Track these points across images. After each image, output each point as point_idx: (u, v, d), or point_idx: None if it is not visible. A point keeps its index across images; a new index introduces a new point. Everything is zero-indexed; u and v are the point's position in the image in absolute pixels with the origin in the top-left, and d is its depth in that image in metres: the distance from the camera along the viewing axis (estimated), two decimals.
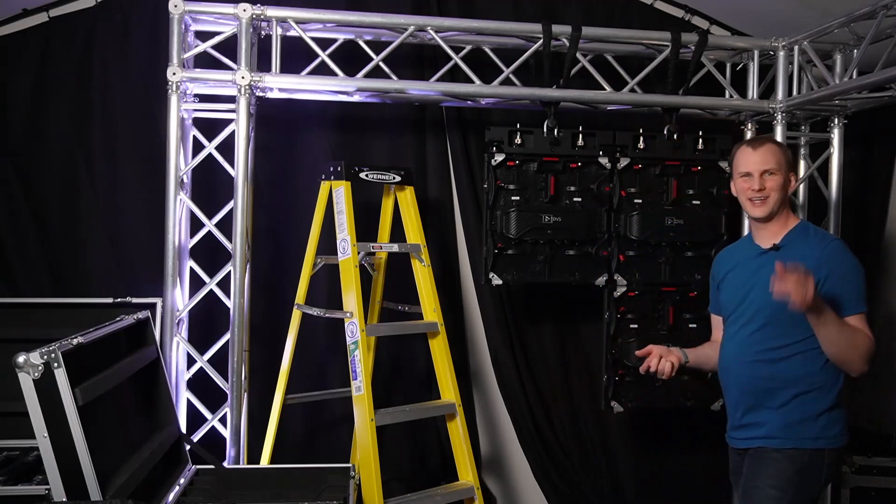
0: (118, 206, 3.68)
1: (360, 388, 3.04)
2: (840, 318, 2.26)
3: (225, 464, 3.14)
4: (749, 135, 3.80)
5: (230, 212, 3.33)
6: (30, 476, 2.79)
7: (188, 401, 3.44)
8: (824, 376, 2.34)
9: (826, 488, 2.41)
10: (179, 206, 3.29)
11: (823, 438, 2.33)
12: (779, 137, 3.58)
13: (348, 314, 3.10)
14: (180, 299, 3.36)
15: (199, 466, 2.81)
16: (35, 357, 1.91)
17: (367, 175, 3.32)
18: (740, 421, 2.46)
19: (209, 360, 3.43)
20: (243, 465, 3.26)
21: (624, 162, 3.54)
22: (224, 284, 3.37)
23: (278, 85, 3.31)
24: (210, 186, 3.60)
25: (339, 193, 3.23)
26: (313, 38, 3.36)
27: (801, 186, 3.89)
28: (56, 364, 1.93)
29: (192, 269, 3.46)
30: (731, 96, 3.73)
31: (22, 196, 3.61)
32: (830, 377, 2.34)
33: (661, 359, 2.53)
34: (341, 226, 3.19)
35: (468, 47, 3.52)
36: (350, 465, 2.88)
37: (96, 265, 3.66)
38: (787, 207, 2.48)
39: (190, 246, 3.45)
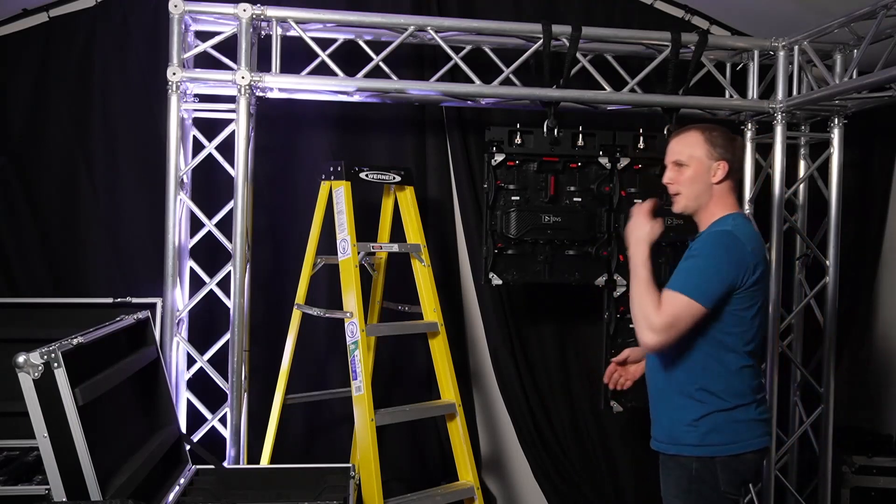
0: (118, 206, 3.68)
1: (360, 388, 3.04)
2: (651, 283, 2.22)
3: (225, 464, 3.14)
4: (749, 135, 3.81)
5: (230, 212, 3.33)
6: (30, 476, 2.78)
7: (188, 401, 3.44)
8: (706, 381, 2.24)
9: (737, 495, 2.30)
10: (179, 206, 3.29)
11: (706, 446, 2.22)
12: (778, 137, 3.59)
13: (348, 314, 3.10)
14: (180, 299, 3.36)
15: (199, 466, 2.81)
16: (35, 357, 1.91)
17: (367, 175, 3.32)
18: (652, 417, 2.44)
19: (209, 360, 3.43)
20: (243, 465, 3.26)
21: (624, 162, 3.54)
22: (224, 284, 3.37)
23: (278, 85, 3.31)
24: (210, 186, 3.59)
25: (339, 193, 3.23)
26: (313, 38, 3.36)
27: (801, 186, 3.90)
28: (56, 364, 1.93)
29: (192, 269, 3.46)
30: (731, 96, 3.73)
31: (22, 196, 3.61)
32: (715, 383, 2.23)
33: (615, 373, 2.49)
34: (341, 226, 3.19)
35: (468, 47, 3.52)
36: (350, 465, 2.88)
37: (96, 265, 3.66)
38: (720, 198, 2.31)
39: (190, 246, 3.45)
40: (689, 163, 2.31)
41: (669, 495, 2.34)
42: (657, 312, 2.17)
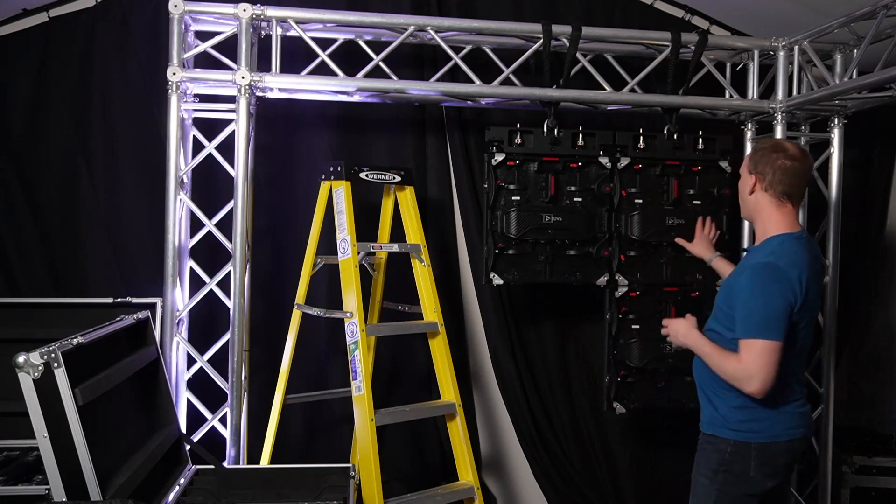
0: (118, 206, 3.68)
1: (360, 388, 3.04)
2: (718, 346, 2.41)
3: (225, 464, 3.14)
4: (749, 135, 3.81)
5: (230, 212, 3.33)
6: (30, 476, 2.79)
7: (188, 401, 3.44)
8: None
9: (767, 481, 2.40)
10: (179, 206, 3.29)
11: (743, 431, 2.37)
12: (779, 137, 3.58)
13: (348, 314, 3.10)
14: (180, 299, 3.36)
15: (199, 466, 2.81)
16: (35, 357, 1.91)
17: (367, 175, 3.32)
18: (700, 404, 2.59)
19: (209, 360, 3.43)
20: (243, 465, 3.25)
21: (624, 162, 3.54)
22: (224, 284, 3.37)
23: (278, 85, 3.31)
24: (210, 186, 3.59)
25: (339, 193, 3.23)
26: (313, 38, 3.36)
27: None
28: (56, 364, 1.93)
29: (192, 269, 3.46)
30: (731, 96, 3.73)
31: (22, 196, 3.61)
32: None
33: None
34: (341, 226, 3.19)
35: (468, 47, 3.52)
36: (350, 465, 2.88)
37: (96, 265, 3.66)
38: (761, 213, 2.46)
39: (190, 246, 3.44)
40: (740, 178, 2.54)
41: (698, 474, 2.48)
42: (741, 365, 2.31)
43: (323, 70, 3.36)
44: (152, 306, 3.28)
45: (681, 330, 2.55)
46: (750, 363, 2.29)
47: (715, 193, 3.62)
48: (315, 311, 3.32)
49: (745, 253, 2.54)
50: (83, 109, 3.66)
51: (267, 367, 3.63)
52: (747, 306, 2.33)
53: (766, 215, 2.45)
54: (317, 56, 3.35)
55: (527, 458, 3.98)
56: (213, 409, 3.45)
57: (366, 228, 3.49)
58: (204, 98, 3.47)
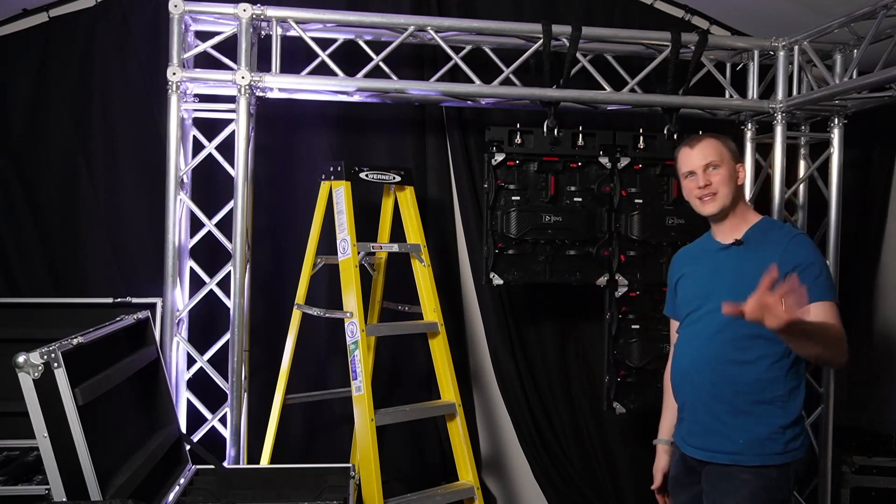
0: (118, 206, 3.68)
1: (360, 388, 3.04)
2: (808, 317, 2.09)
3: (225, 464, 3.14)
4: (749, 135, 3.81)
5: (230, 212, 3.33)
6: (30, 476, 2.78)
7: (188, 401, 3.44)
8: (789, 382, 2.24)
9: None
10: (179, 206, 3.29)
11: (790, 452, 2.24)
12: (778, 137, 3.59)
13: (348, 314, 3.10)
14: (180, 299, 3.36)
15: (199, 466, 2.81)
16: (35, 357, 1.91)
17: (367, 175, 3.32)
18: (702, 428, 2.33)
19: (209, 360, 3.43)
20: (243, 465, 3.25)
21: (624, 162, 3.54)
22: (224, 284, 3.37)
23: (278, 85, 3.31)
24: (210, 186, 3.59)
25: (339, 193, 3.23)
26: (313, 38, 3.36)
27: (801, 186, 3.89)
28: (56, 364, 1.93)
29: (192, 269, 3.46)
30: (731, 96, 3.73)
31: (22, 196, 3.61)
32: (794, 383, 2.25)
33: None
34: (341, 226, 3.19)
35: (468, 47, 3.52)
36: (350, 465, 2.87)
37: (96, 265, 3.66)
38: (743, 201, 2.39)
39: (190, 246, 3.45)
40: (722, 164, 2.36)
41: None
42: (841, 331, 2.12)
43: (323, 70, 3.36)
44: (152, 306, 3.28)
45: (779, 307, 1.86)
46: (841, 326, 2.12)
47: None
48: (315, 311, 3.32)
49: (734, 245, 2.34)
50: (83, 109, 3.65)
51: (267, 367, 3.63)
52: (817, 268, 2.19)
53: (747, 204, 2.45)
54: (317, 56, 3.35)
55: (527, 458, 3.98)
56: (213, 409, 3.45)
57: (366, 228, 3.49)
58: (204, 98, 3.47)
